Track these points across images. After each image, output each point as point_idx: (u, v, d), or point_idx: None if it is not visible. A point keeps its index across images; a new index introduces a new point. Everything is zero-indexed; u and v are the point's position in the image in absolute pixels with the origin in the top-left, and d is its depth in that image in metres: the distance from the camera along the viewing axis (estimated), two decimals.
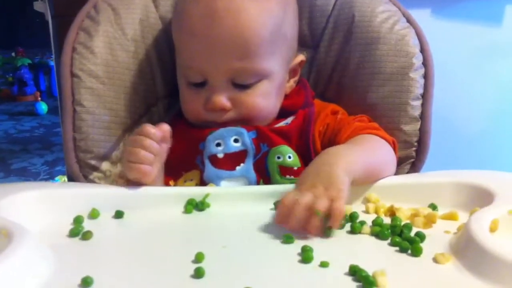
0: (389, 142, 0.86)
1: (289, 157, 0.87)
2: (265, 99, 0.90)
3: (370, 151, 0.83)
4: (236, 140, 0.88)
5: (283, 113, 0.93)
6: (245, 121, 0.89)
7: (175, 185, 0.88)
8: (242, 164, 0.87)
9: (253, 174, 0.87)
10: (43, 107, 4.40)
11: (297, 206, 0.67)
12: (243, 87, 0.88)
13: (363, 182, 0.79)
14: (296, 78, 0.97)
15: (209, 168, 0.87)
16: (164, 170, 0.85)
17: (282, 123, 0.92)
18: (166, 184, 0.87)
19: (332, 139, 0.88)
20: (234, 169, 0.87)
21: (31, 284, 0.56)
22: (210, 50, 0.85)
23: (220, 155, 0.87)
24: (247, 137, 0.87)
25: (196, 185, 0.88)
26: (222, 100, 0.87)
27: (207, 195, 0.78)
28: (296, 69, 0.96)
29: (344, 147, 0.81)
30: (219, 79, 0.87)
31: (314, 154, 0.86)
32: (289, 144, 0.88)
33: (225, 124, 0.89)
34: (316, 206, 0.66)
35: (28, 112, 4.47)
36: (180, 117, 0.95)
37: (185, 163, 0.89)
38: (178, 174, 0.89)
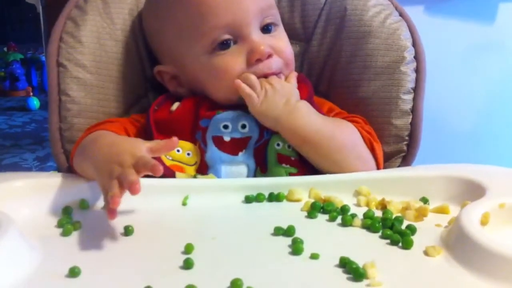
0: (363, 137, 0.87)
1: (288, 147, 0.86)
2: (290, 44, 0.92)
3: (330, 124, 0.86)
4: (243, 126, 0.86)
5: None
6: (285, 70, 0.89)
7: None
8: (244, 150, 0.86)
9: (252, 161, 0.86)
10: (34, 102, 4.39)
11: None
12: (269, 31, 0.89)
13: (301, 143, 0.84)
14: None
15: (213, 150, 0.86)
16: (158, 127, 0.87)
17: None
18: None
19: None
20: (237, 154, 0.86)
21: (18, 274, 0.56)
22: None
23: (227, 138, 0.86)
24: (255, 124, 0.86)
25: (195, 163, 0.87)
26: (265, 46, 0.86)
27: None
28: None
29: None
30: (252, 26, 0.86)
31: None
32: None
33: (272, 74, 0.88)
34: None
35: (19, 107, 4.46)
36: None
37: (182, 130, 0.87)
38: (169, 137, 0.87)
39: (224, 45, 0.86)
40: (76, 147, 0.83)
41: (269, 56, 0.87)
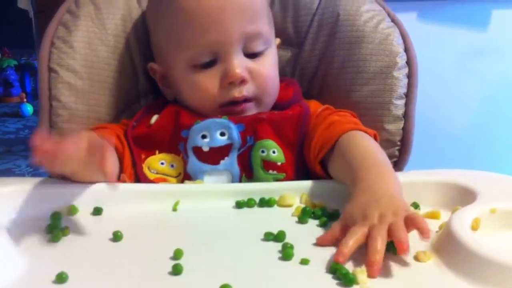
0: (370, 136, 0.85)
1: (273, 152, 0.86)
2: (274, 69, 0.92)
3: (385, 158, 0.79)
4: (222, 134, 0.86)
5: (275, 106, 0.92)
6: (260, 95, 0.89)
7: (145, 158, 0.87)
8: (226, 158, 0.86)
9: (236, 168, 0.86)
10: (28, 108, 4.39)
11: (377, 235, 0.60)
12: (254, 56, 0.88)
13: None
14: (277, 60, 0.97)
15: (193, 161, 0.86)
16: (138, 143, 0.86)
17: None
18: (138, 156, 0.87)
19: (309, 133, 0.88)
20: (218, 163, 0.86)
21: (5, 279, 0.55)
22: (221, 18, 0.84)
23: (205, 148, 0.86)
24: (235, 130, 0.86)
25: (179, 174, 0.87)
26: (241, 70, 0.86)
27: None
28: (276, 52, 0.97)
29: (375, 168, 0.74)
30: (233, 49, 0.85)
31: (307, 153, 0.87)
32: (279, 138, 0.87)
33: (244, 102, 0.88)
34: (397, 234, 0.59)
35: (13, 113, 4.46)
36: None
37: (163, 143, 0.88)
38: (151, 151, 0.88)
39: (205, 63, 0.87)
40: None
41: (244, 81, 0.86)
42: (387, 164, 0.77)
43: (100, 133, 0.84)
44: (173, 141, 0.88)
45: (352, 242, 0.60)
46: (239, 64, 0.86)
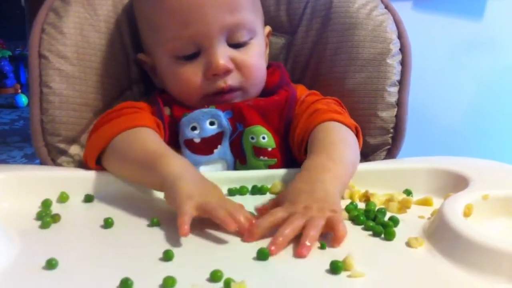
0: (351, 128, 0.83)
1: (263, 138, 0.86)
2: (260, 58, 0.90)
3: (347, 154, 0.77)
4: (212, 123, 0.86)
5: (261, 93, 0.92)
6: (246, 85, 0.88)
7: None
8: (219, 147, 0.86)
9: (230, 156, 0.87)
10: (23, 99, 4.38)
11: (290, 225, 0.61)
12: (238, 46, 0.87)
13: None
14: (268, 50, 0.97)
15: (187, 154, 0.85)
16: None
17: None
18: None
19: (294, 119, 0.88)
20: (212, 152, 0.86)
21: None
22: (201, 11, 0.83)
23: (197, 140, 0.86)
24: (224, 118, 0.86)
25: None
26: (225, 61, 0.85)
27: None
28: (266, 42, 0.96)
29: (327, 160, 0.73)
30: (215, 41, 0.84)
31: (291, 140, 0.87)
32: (266, 124, 0.87)
33: (230, 92, 0.87)
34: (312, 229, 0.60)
35: (7, 104, 4.45)
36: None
37: (173, 136, 0.87)
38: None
39: (188, 55, 0.86)
40: (103, 141, 0.80)
41: (227, 71, 0.86)
42: (345, 161, 0.75)
43: (141, 121, 0.82)
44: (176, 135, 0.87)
45: (267, 222, 0.62)
46: (222, 55, 0.85)
